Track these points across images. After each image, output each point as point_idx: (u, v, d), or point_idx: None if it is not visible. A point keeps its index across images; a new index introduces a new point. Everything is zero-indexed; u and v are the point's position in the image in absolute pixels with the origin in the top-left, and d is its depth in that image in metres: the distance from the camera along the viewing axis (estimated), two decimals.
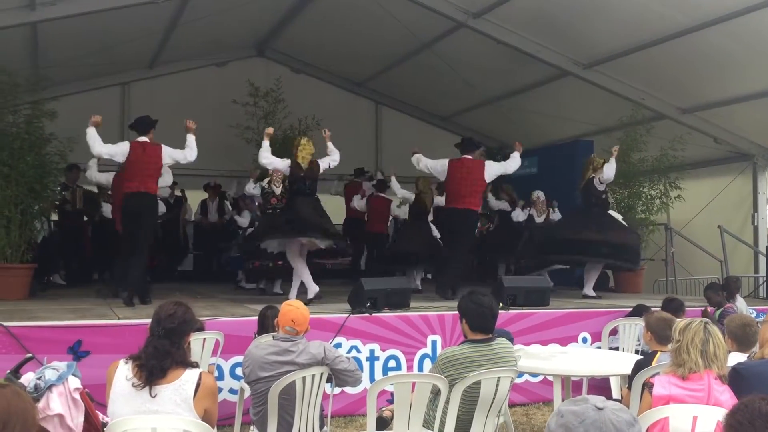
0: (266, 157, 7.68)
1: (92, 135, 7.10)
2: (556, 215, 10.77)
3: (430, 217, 10.16)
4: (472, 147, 8.71)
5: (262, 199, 9.05)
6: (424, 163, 8.76)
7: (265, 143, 7.71)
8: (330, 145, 7.96)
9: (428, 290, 9.62)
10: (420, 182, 10.04)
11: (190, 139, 7.55)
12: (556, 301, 8.05)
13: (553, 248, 9.37)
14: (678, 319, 3.97)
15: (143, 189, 7.32)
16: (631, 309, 7.34)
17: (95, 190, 10.21)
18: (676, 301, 6.36)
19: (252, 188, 9.19)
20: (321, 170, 7.84)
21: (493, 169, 8.56)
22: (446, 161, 8.67)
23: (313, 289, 7.63)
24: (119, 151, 7.29)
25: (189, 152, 7.53)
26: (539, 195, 10.87)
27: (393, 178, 10.08)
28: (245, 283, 10.03)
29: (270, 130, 8.01)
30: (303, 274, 7.75)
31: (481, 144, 8.98)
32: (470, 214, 8.58)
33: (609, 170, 9.16)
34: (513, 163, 8.62)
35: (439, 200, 9.98)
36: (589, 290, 9.24)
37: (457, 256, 8.68)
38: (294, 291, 7.86)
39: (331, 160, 7.93)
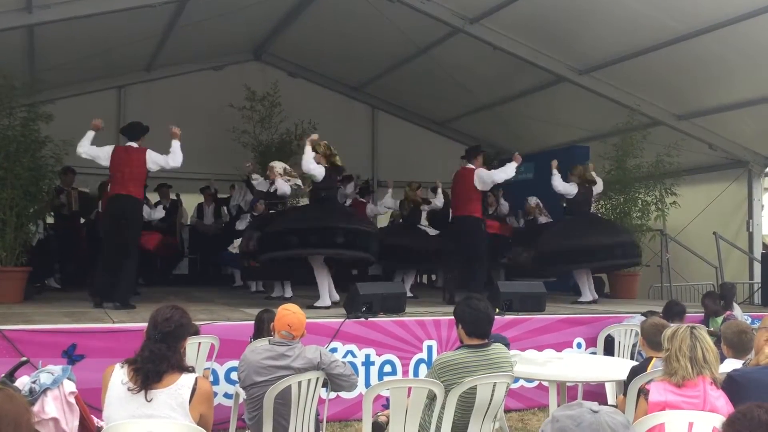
0: (310, 162, 7.69)
1: (87, 135, 7.28)
2: (546, 218, 10.75)
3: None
4: (470, 155, 8.84)
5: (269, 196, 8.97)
6: None
7: (308, 148, 7.72)
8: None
9: (422, 295, 9.68)
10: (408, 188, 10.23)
11: (175, 144, 7.52)
12: (551, 307, 8.06)
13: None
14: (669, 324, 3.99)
15: (125, 192, 7.36)
16: (627, 314, 7.38)
17: (87, 189, 10.21)
18: (678, 306, 6.38)
19: (265, 185, 8.97)
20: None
21: (482, 177, 8.54)
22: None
23: (325, 300, 7.64)
24: (102, 154, 7.34)
25: (172, 157, 7.49)
26: (535, 201, 10.88)
27: (389, 192, 10.07)
28: (250, 282, 9.79)
29: (315, 136, 7.96)
30: (323, 282, 7.71)
31: (481, 151, 8.99)
32: (468, 220, 8.63)
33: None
34: (504, 174, 8.56)
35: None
36: (586, 296, 9.33)
37: (466, 262, 8.71)
38: (326, 295, 7.78)
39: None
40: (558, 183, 9.25)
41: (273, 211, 8.87)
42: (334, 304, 7.67)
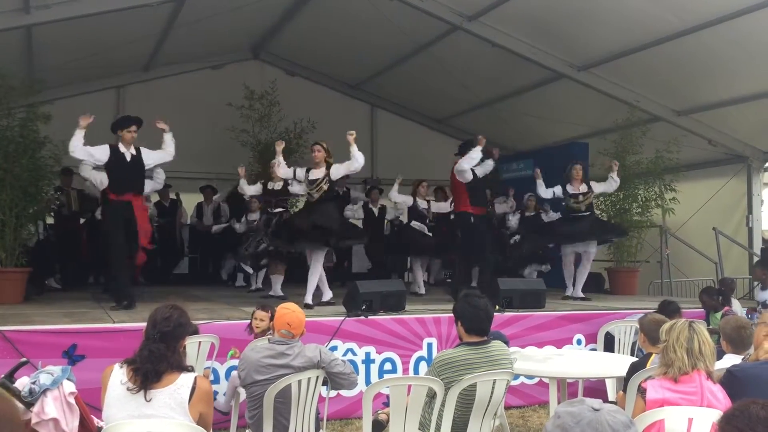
0: (284, 171, 7.95)
1: (76, 135, 7.00)
2: (549, 216, 10.78)
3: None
4: (462, 150, 8.86)
5: (264, 197, 9.00)
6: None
7: (279, 158, 7.99)
8: (353, 149, 7.57)
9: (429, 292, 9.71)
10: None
11: (167, 137, 7.56)
12: (551, 304, 8.07)
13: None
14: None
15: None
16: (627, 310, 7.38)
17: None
18: (672, 304, 6.39)
19: (252, 189, 9.05)
20: (337, 175, 7.86)
21: (456, 169, 8.60)
22: None
23: (327, 294, 7.74)
24: (96, 153, 7.20)
25: (167, 151, 7.54)
26: (527, 196, 11.03)
27: (395, 185, 10.12)
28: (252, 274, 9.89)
29: (281, 143, 8.30)
30: (314, 277, 7.73)
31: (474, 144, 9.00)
32: (459, 216, 8.83)
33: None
34: (468, 161, 8.47)
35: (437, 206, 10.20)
36: (577, 291, 9.31)
37: (462, 259, 8.99)
38: (326, 289, 7.90)
39: (349, 164, 7.65)
40: (541, 191, 9.40)
41: (281, 209, 8.92)
42: (331, 303, 7.68)
